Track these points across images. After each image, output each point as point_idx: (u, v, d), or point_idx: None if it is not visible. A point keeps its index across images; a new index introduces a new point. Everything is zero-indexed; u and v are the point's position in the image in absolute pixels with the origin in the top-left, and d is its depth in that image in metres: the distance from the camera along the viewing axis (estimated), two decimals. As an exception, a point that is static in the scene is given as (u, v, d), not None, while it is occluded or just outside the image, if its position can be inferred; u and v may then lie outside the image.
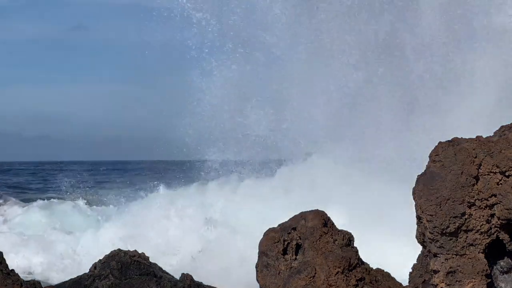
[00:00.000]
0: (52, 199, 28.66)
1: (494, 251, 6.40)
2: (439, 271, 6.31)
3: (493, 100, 18.98)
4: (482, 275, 6.20)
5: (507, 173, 6.20)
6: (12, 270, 9.00)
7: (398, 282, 7.18)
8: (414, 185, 6.49)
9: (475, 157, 6.30)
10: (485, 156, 6.29)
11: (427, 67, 20.98)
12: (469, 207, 6.24)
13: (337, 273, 6.65)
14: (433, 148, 6.48)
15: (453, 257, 6.27)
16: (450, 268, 6.27)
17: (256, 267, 7.05)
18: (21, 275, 9.28)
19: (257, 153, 22.76)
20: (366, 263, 7.07)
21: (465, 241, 6.26)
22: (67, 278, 12.13)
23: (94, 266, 21.80)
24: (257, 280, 7.01)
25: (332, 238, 6.90)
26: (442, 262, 6.30)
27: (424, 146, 8.00)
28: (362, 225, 12.91)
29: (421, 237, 6.59)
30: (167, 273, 20.92)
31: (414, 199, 6.46)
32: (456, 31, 20.73)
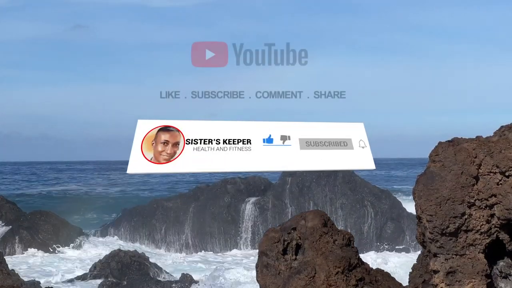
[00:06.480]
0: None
1: (494, 251, 6.40)
2: (439, 271, 6.31)
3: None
4: (482, 275, 6.20)
5: (507, 173, 6.19)
6: (12, 270, 8.99)
7: (398, 282, 7.17)
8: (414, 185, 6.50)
9: (475, 157, 6.30)
10: (485, 156, 6.29)
11: None
12: (469, 207, 6.24)
13: (337, 273, 6.63)
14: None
15: (453, 257, 6.27)
16: (450, 268, 6.26)
17: (256, 267, 7.03)
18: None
19: None
20: (366, 263, 7.06)
21: (465, 241, 6.26)
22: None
23: (94, 266, 21.86)
24: (257, 280, 6.99)
25: (332, 238, 6.89)
26: (442, 262, 6.30)
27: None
28: None
29: (421, 237, 6.59)
30: (167, 273, 20.90)
31: (414, 199, 6.45)
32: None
